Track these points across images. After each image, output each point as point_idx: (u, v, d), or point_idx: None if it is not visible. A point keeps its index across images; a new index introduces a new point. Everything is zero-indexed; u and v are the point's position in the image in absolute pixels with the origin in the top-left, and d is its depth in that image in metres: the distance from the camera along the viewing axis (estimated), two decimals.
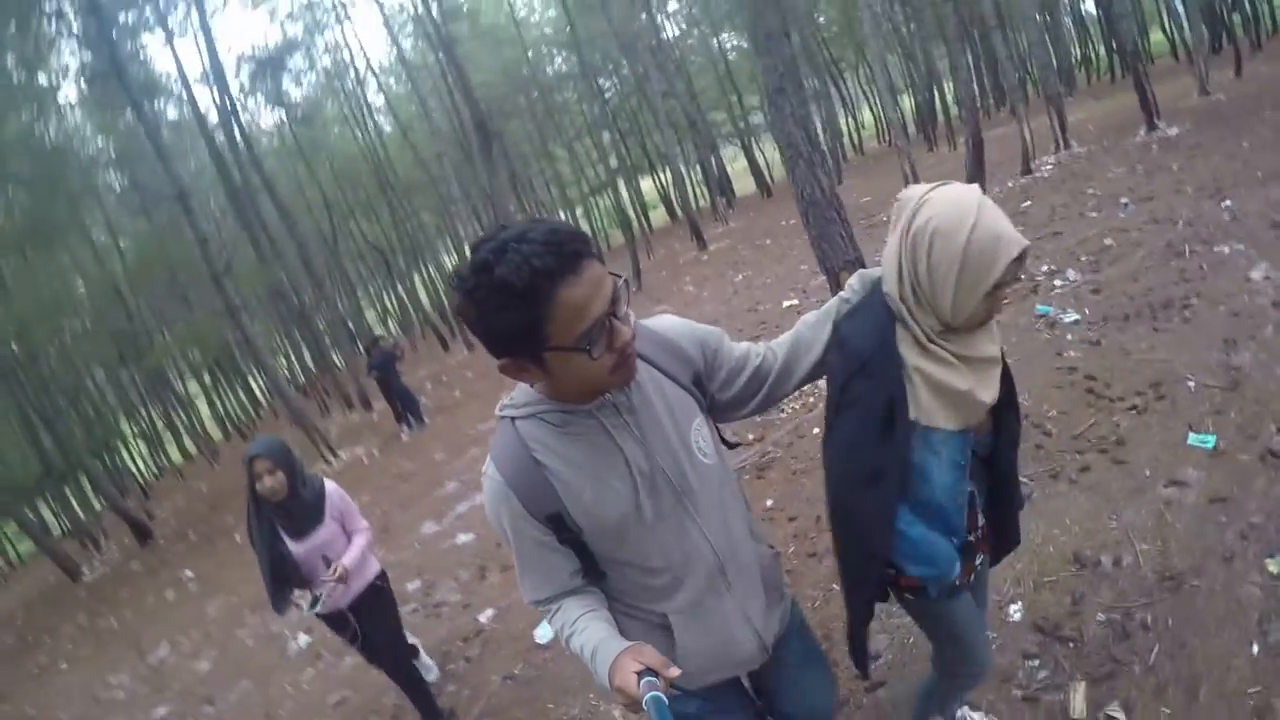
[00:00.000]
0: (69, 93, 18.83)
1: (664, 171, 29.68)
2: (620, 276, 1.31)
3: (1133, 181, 9.83)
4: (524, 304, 1.19)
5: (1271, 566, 2.82)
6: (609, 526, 1.44)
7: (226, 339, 21.01)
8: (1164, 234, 7.03)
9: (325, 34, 25.86)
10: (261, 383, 30.48)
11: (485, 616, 4.97)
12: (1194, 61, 16.27)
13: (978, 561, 1.91)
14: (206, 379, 31.04)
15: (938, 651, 2.13)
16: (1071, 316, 5.82)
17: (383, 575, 3.68)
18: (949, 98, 28.91)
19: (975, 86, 32.84)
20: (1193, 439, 3.75)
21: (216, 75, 19.92)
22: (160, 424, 30.23)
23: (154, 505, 20.52)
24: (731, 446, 1.78)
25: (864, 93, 41.83)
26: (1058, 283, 6.73)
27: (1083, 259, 7.13)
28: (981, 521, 1.87)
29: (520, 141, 30.80)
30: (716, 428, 1.69)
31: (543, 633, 4.41)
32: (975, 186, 1.50)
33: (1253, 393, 3.97)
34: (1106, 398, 4.45)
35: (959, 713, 2.53)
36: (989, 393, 1.62)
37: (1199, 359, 4.50)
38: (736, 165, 42.45)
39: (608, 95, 32.72)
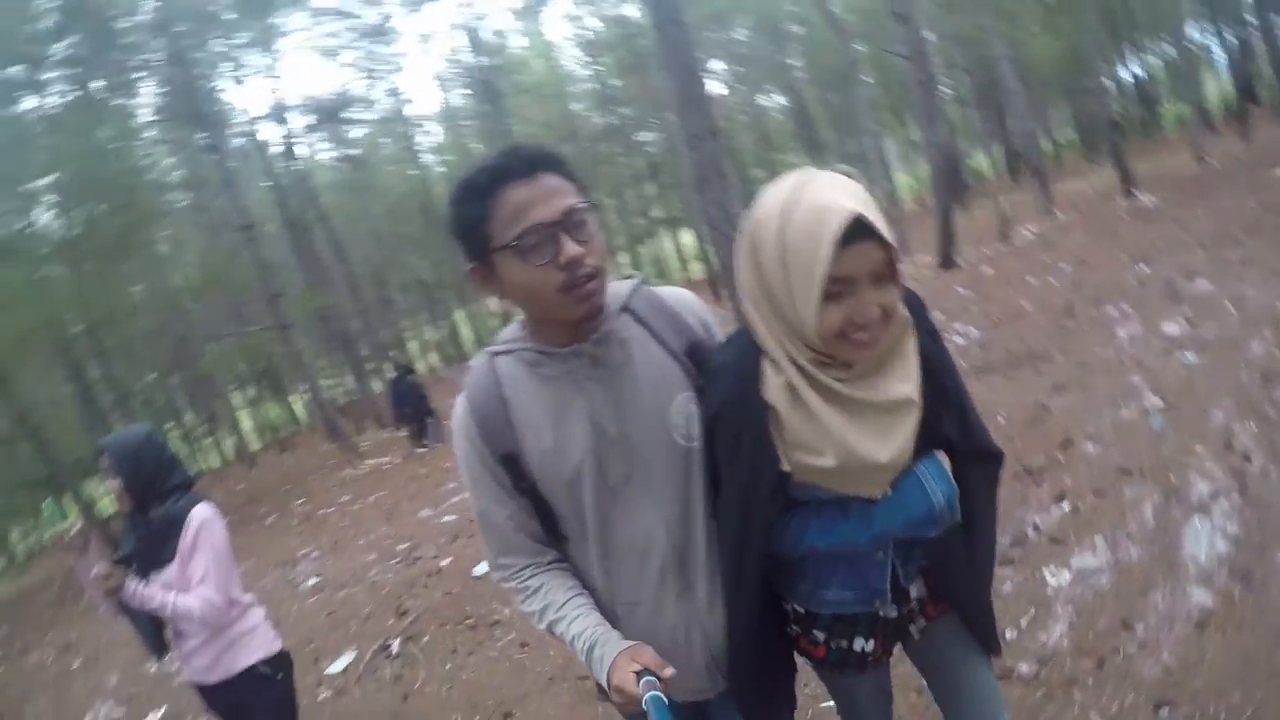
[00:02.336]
0: (143, 115, 20.74)
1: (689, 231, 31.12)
2: (590, 204, 1.32)
3: (1083, 249, 10.77)
4: (475, 198, 1.28)
5: None
6: (563, 479, 1.40)
7: (275, 354, 22.61)
8: (1072, 295, 8.06)
9: (380, 82, 27.93)
10: (302, 401, 32.18)
11: (444, 563, 6.34)
12: (1191, 130, 17.32)
13: (914, 630, 1.54)
14: (251, 392, 32.76)
15: None
16: None
17: (275, 662, 2.70)
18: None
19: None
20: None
21: (280, 115, 21.98)
22: (202, 429, 31.98)
23: None
24: None
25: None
26: (958, 340, 7.79)
27: (994, 318, 8.18)
28: (917, 593, 1.51)
29: None
30: None
31: (480, 569, 5.71)
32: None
33: (1049, 424, 5.01)
34: None
35: None
36: (886, 448, 1.24)
37: (1020, 400, 5.54)
38: None
39: (650, 150, 34.19)
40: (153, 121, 20.13)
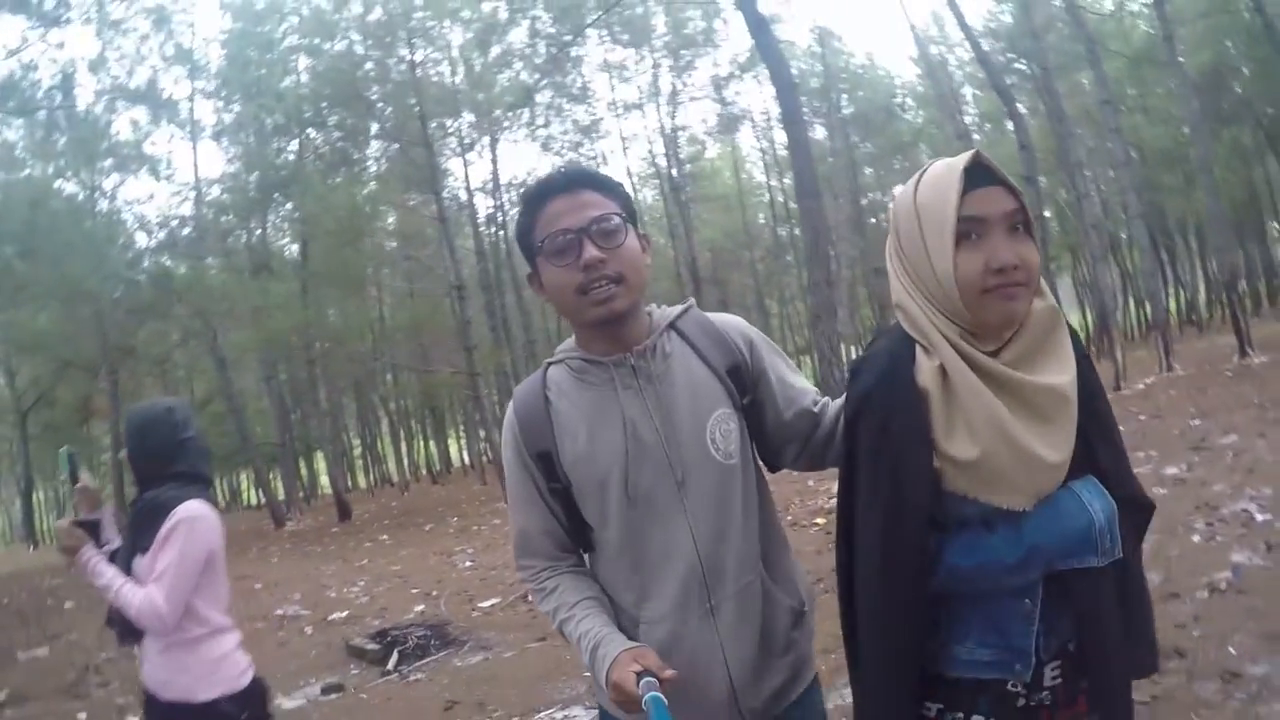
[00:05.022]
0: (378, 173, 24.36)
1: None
2: (623, 217, 1.41)
3: (1168, 403, 11.56)
4: (527, 211, 1.46)
5: None
6: (594, 482, 1.43)
7: (455, 395, 25.50)
8: (1125, 442, 9.30)
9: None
10: (459, 443, 35.45)
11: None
12: None
13: None
14: (414, 427, 36.33)
15: None
16: None
17: (240, 699, 2.32)
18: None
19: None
20: None
21: (495, 189, 25.72)
22: (355, 450, 35.51)
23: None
24: (774, 470, 1.61)
25: None
26: None
27: None
28: (1056, 676, 1.22)
29: (745, 294, 34.52)
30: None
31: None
32: None
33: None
34: None
35: None
36: (1048, 445, 1.13)
37: None
38: None
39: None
40: (383, 180, 24.02)
